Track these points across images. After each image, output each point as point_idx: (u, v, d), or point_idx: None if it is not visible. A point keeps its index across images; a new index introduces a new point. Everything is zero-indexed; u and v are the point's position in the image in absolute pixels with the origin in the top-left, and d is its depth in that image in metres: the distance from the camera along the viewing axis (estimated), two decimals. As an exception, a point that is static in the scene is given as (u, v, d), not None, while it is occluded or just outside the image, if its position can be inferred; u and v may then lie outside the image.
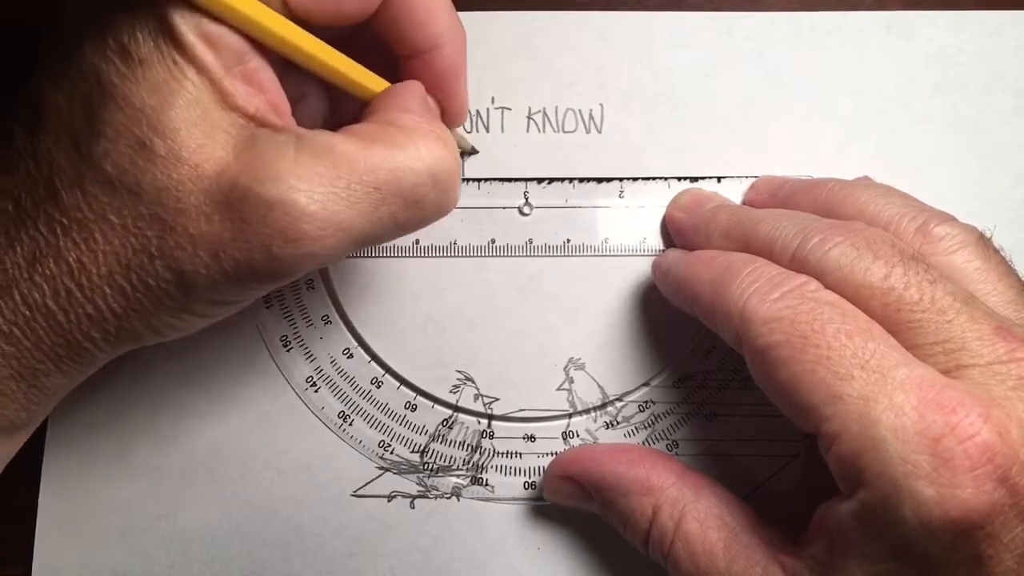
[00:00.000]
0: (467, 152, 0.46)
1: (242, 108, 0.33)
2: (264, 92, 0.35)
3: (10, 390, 0.34)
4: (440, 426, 0.44)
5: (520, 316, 0.45)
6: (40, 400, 0.35)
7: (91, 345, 0.34)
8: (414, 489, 0.44)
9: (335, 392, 0.44)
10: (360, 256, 0.45)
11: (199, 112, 0.33)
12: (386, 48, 0.40)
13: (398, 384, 0.45)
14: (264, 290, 0.36)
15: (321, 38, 0.36)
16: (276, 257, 0.32)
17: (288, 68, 0.37)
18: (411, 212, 0.35)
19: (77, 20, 0.34)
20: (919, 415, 0.31)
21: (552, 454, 0.44)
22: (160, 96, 0.32)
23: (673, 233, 0.44)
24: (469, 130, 0.46)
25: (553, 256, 0.45)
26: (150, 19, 0.32)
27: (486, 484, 0.44)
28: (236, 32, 0.34)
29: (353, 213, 0.33)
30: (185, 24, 0.32)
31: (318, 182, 0.32)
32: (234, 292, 0.34)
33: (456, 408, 0.44)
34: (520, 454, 0.44)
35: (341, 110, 0.41)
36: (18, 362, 0.34)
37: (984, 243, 0.38)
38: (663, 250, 0.45)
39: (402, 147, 0.35)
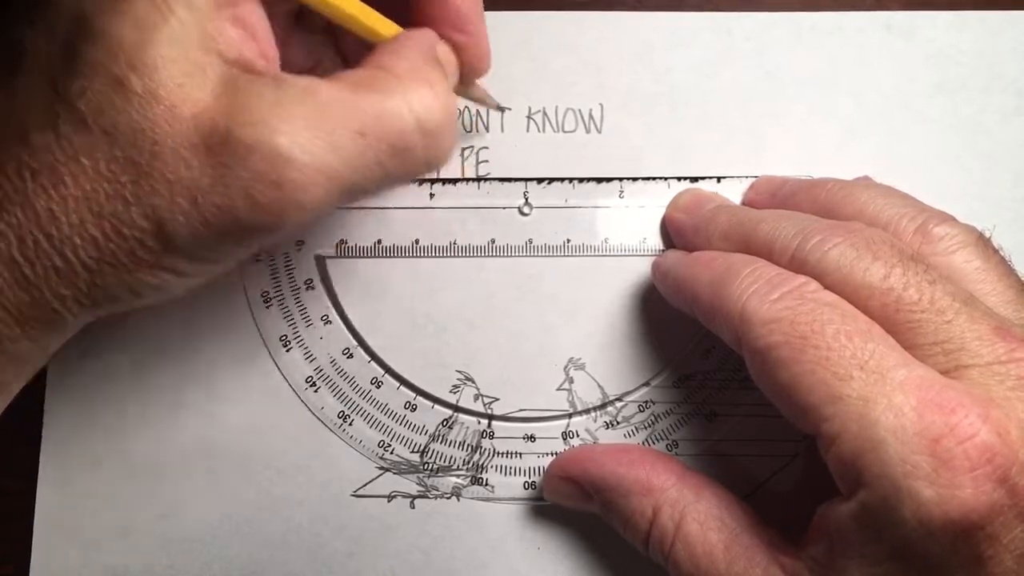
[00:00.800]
0: (494, 108, 0.45)
1: (225, 52, 0.32)
2: (255, 39, 0.34)
3: None
4: (440, 426, 0.44)
5: (520, 316, 0.45)
6: (6, 367, 0.33)
7: (60, 306, 0.32)
8: (414, 489, 0.44)
9: (335, 392, 0.44)
10: (360, 256, 0.45)
11: (180, 51, 0.31)
12: None
13: (398, 384, 0.45)
14: (247, 247, 0.34)
15: None
16: (258, 204, 0.31)
17: (299, 32, 0.36)
18: (399, 161, 0.34)
19: None
20: (918, 416, 0.31)
21: (552, 454, 0.44)
22: (141, 31, 0.31)
23: (673, 234, 0.44)
24: (469, 129, 0.46)
25: (553, 256, 0.45)
26: None
27: (486, 484, 0.44)
28: None
29: (337, 159, 0.32)
30: None
31: (301, 125, 0.31)
32: (215, 245, 0.33)
33: (456, 408, 0.44)
34: (520, 454, 0.44)
35: None
36: None
37: (984, 243, 0.38)
38: (663, 250, 0.45)
39: (389, 92, 0.33)
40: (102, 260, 0.32)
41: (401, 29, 0.38)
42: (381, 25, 0.38)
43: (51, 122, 0.31)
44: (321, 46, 0.38)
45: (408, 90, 0.34)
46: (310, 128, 0.31)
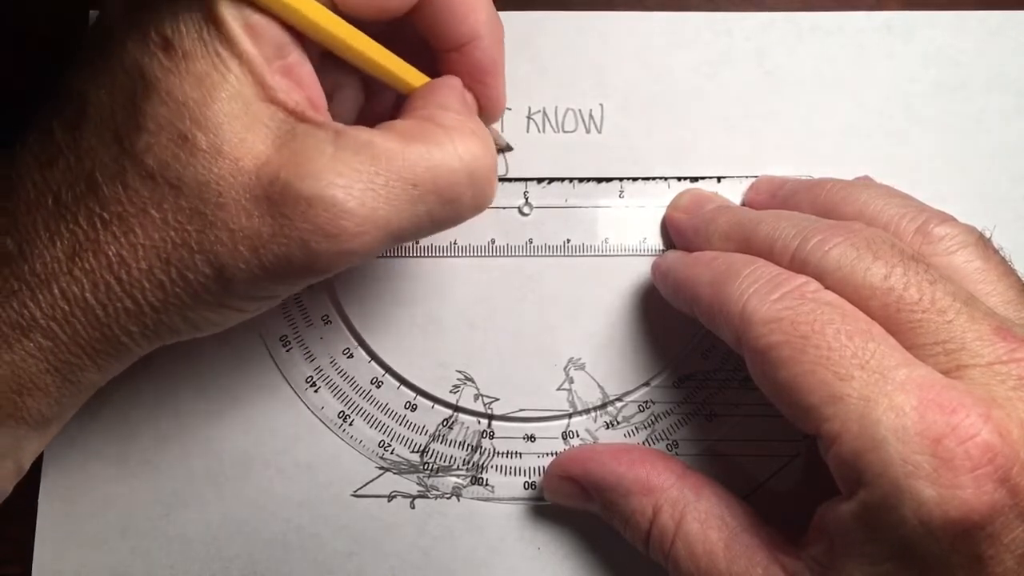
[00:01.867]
0: (503, 149, 0.46)
1: (282, 102, 0.33)
2: (303, 87, 0.35)
3: (44, 384, 0.34)
4: (440, 426, 0.44)
5: (520, 316, 0.45)
6: (72, 394, 0.35)
7: (128, 339, 0.34)
8: (414, 489, 0.44)
9: (335, 392, 0.44)
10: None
11: (241, 106, 0.33)
12: (424, 42, 0.40)
13: (398, 384, 0.45)
14: (300, 286, 0.36)
15: (362, 31, 0.36)
16: (314, 253, 0.32)
17: (324, 61, 0.37)
18: (447, 209, 0.35)
19: (119, 13, 0.34)
20: (919, 415, 0.31)
21: (552, 454, 0.44)
22: (203, 89, 0.32)
23: (673, 234, 0.44)
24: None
25: (553, 256, 0.45)
26: (195, 9, 0.32)
27: (486, 484, 0.44)
28: (278, 24, 0.34)
29: (390, 210, 0.33)
30: (231, 14, 0.32)
31: (357, 178, 0.33)
32: (271, 287, 0.34)
33: (456, 408, 0.44)
34: (520, 454, 0.44)
35: (374, 103, 0.41)
36: (54, 356, 0.34)
37: (984, 243, 0.38)
38: (663, 250, 0.45)
39: (440, 144, 0.34)
40: (167, 301, 0.34)
41: (427, 78, 0.39)
42: (413, 77, 0.39)
43: (119, 175, 0.33)
44: (345, 73, 0.39)
45: (456, 141, 0.35)
46: (365, 181, 0.33)
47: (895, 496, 0.31)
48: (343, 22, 0.36)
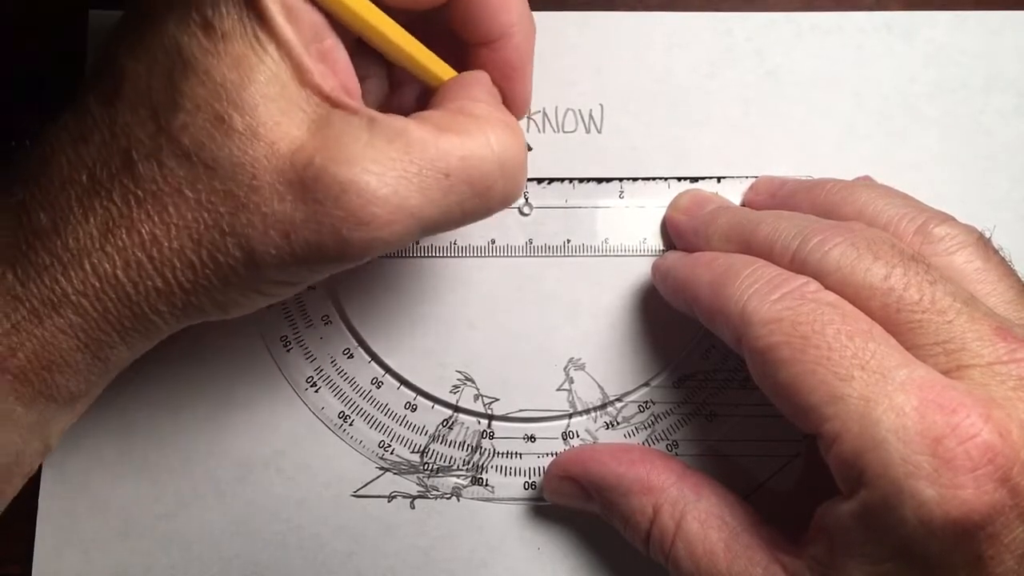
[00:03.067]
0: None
1: (318, 86, 0.33)
2: (337, 72, 0.35)
3: (74, 360, 0.34)
4: (440, 426, 0.44)
5: (520, 316, 0.45)
6: (101, 372, 0.35)
7: (157, 318, 0.34)
8: (414, 489, 0.44)
9: (335, 392, 0.44)
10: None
11: (278, 89, 0.32)
12: (453, 37, 0.40)
13: (398, 384, 0.45)
14: (328, 272, 0.35)
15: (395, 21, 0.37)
16: (345, 240, 0.32)
17: (353, 51, 0.37)
18: (479, 200, 0.35)
19: None
20: (920, 416, 0.31)
21: (552, 454, 0.44)
22: (240, 71, 0.32)
23: (673, 235, 0.44)
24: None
25: (553, 256, 0.45)
26: None
27: (486, 484, 0.44)
28: (315, 8, 0.34)
29: (423, 199, 0.33)
30: None
31: (390, 166, 0.32)
32: (300, 273, 0.34)
33: (456, 408, 0.44)
34: (520, 454, 0.44)
35: (398, 96, 0.41)
36: (84, 333, 0.34)
37: (984, 243, 0.38)
38: (663, 250, 0.45)
39: (473, 135, 0.34)
40: (197, 283, 0.33)
41: (455, 72, 0.39)
42: (442, 70, 0.39)
43: (155, 153, 0.33)
44: (372, 64, 0.39)
45: (488, 132, 0.35)
46: (399, 169, 0.33)
47: (896, 496, 0.31)
48: (378, 10, 0.36)
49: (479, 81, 0.39)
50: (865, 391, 0.32)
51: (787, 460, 0.43)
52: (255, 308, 0.36)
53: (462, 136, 0.34)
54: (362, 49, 0.37)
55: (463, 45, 0.40)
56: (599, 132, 0.46)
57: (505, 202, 0.36)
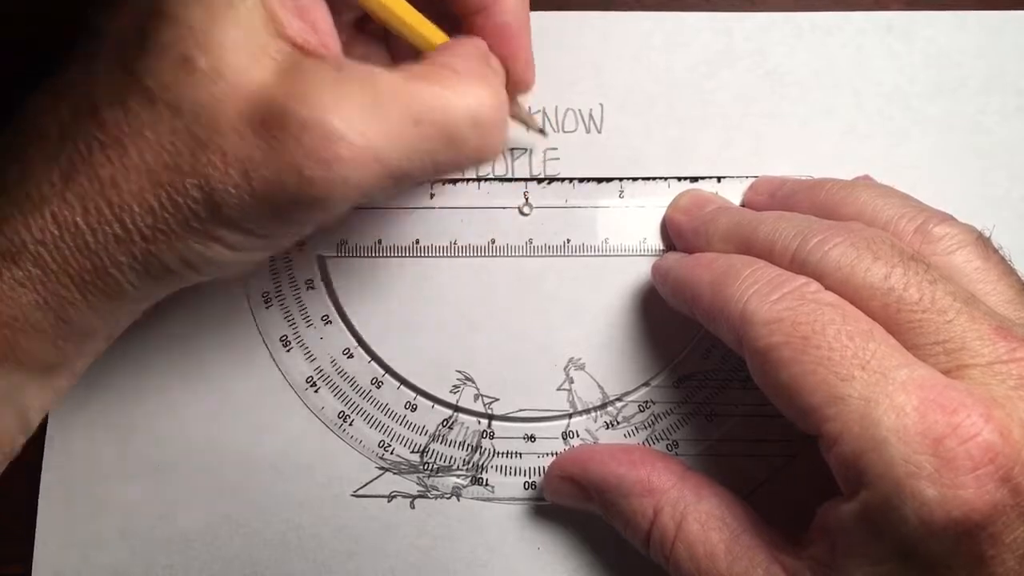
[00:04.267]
0: (536, 129, 0.45)
1: (291, 37, 0.33)
2: (317, 32, 0.34)
3: (36, 320, 0.33)
4: (440, 426, 0.44)
5: (520, 316, 0.45)
6: (68, 336, 0.35)
7: (117, 272, 0.33)
8: (414, 489, 0.44)
9: (335, 392, 0.44)
10: (361, 256, 0.45)
11: (246, 33, 0.32)
12: (449, 6, 0.39)
13: (398, 384, 0.45)
14: (293, 224, 0.35)
15: None
16: (307, 180, 0.32)
17: (361, 38, 0.36)
18: (450, 152, 0.34)
19: None
20: (920, 416, 0.31)
21: (552, 454, 0.44)
22: (211, 14, 0.32)
23: (673, 235, 0.44)
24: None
25: (553, 256, 0.45)
26: None
27: (486, 484, 0.44)
28: None
29: (389, 143, 0.32)
30: None
31: (357, 108, 0.32)
32: (262, 218, 0.33)
33: (456, 408, 0.44)
34: (520, 454, 0.44)
35: None
36: (43, 287, 0.33)
37: (983, 243, 0.38)
38: (663, 250, 0.45)
39: (447, 86, 0.34)
40: (156, 228, 0.33)
41: (448, 37, 0.39)
42: (435, 35, 0.39)
43: (120, 99, 0.32)
44: (376, 54, 0.39)
45: (464, 85, 0.34)
46: (365, 111, 0.32)
47: (897, 496, 0.31)
48: None
49: (472, 43, 0.38)
50: (866, 391, 0.32)
51: (787, 460, 0.43)
52: (223, 266, 0.35)
53: (434, 85, 0.34)
54: (364, 34, 0.37)
55: (457, 18, 0.40)
56: (599, 132, 0.46)
57: (479, 158, 0.36)
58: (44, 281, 0.33)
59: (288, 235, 0.36)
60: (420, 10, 0.38)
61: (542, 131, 0.46)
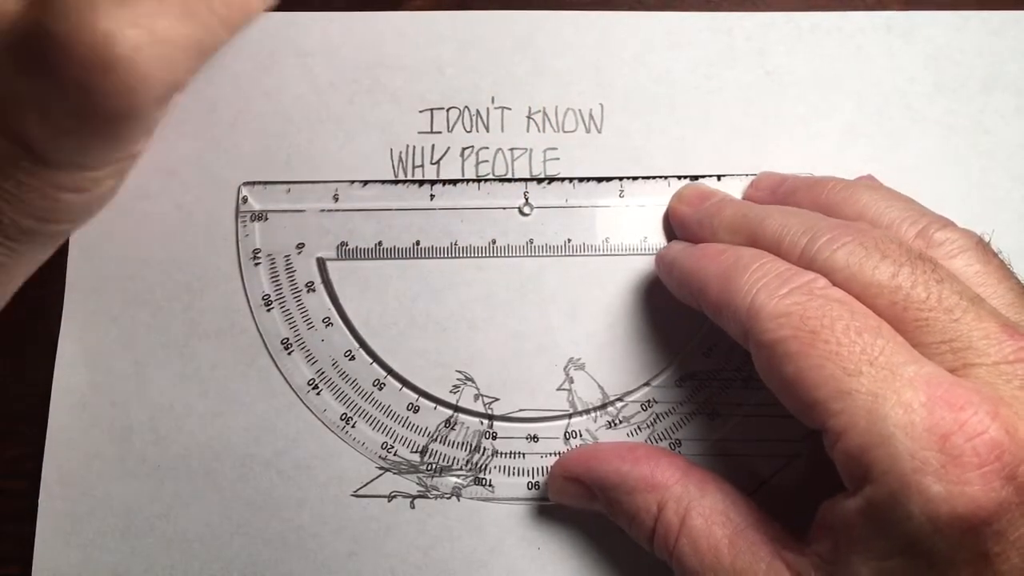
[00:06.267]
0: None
1: None
2: None
3: None
4: (441, 426, 0.44)
5: (520, 316, 0.45)
6: None
7: None
8: (414, 489, 0.44)
9: (337, 395, 0.44)
10: (361, 258, 0.45)
11: None
12: None
13: (400, 386, 0.44)
14: (114, 140, 0.33)
15: None
16: (98, 93, 0.31)
17: None
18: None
19: None
20: (928, 412, 0.31)
21: (555, 454, 0.44)
22: None
23: (676, 226, 0.44)
24: (469, 129, 0.46)
25: (553, 256, 0.45)
26: None
27: (487, 484, 0.44)
28: None
29: (169, 21, 0.31)
30: None
31: (113, 2, 0.30)
32: (81, 148, 0.32)
33: (457, 408, 0.44)
34: (523, 454, 0.44)
35: None
36: None
37: (983, 247, 0.38)
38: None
39: None
40: None
41: None
42: None
43: None
44: None
45: None
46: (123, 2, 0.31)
47: (902, 492, 0.31)
48: None
49: None
50: (873, 387, 0.32)
51: (790, 459, 0.43)
52: (76, 210, 0.34)
53: None
54: None
55: None
56: (599, 132, 0.46)
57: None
58: None
59: (115, 151, 0.35)
60: None
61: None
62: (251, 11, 0.34)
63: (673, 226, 0.45)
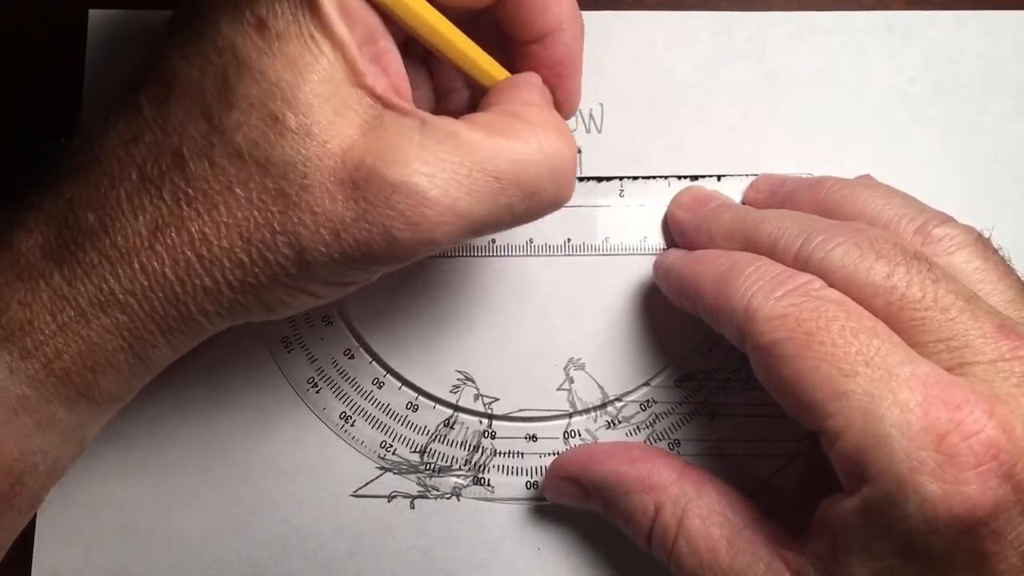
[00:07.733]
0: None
1: (371, 87, 0.33)
2: (390, 74, 0.35)
3: (117, 361, 0.34)
4: (441, 426, 0.44)
5: (520, 316, 0.45)
6: (141, 373, 0.36)
7: (203, 318, 0.34)
8: (414, 489, 0.44)
9: (337, 393, 0.44)
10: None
11: (331, 88, 0.32)
12: (504, 35, 0.40)
13: (399, 384, 0.44)
14: (376, 274, 0.36)
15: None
16: (395, 240, 0.32)
17: (405, 57, 0.37)
18: (528, 204, 0.35)
19: None
20: (924, 411, 0.31)
21: (554, 454, 0.44)
22: (295, 71, 0.32)
23: (674, 231, 0.44)
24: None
25: (553, 256, 0.45)
26: None
27: (487, 484, 0.44)
28: (371, 8, 0.34)
29: (472, 201, 0.33)
30: None
31: (441, 167, 0.32)
32: (348, 272, 0.34)
33: (456, 408, 0.44)
34: (522, 454, 0.44)
35: (445, 104, 0.41)
36: (130, 333, 0.34)
37: (983, 243, 0.38)
38: (664, 249, 0.45)
39: (524, 139, 0.34)
40: (245, 282, 0.33)
41: (508, 73, 0.39)
42: (493, 68, 0.39)
43: (207, 151, 0.33)
44: (418, 73, 0.40)
45: (539, 135, 0.35)
46: (449, 171, 0.33)
47: (899, 492, 0.31)
48: (434, 10, 0.36)
49: (531, 83, 0.38)
50: (869, 387, 0.32)
51: (788, 459, 0.43)
52: (300, 309, 0.36)
53: (513, 139, 0.34)
54: (408, 59, 0.37)
55: (513, 44, 0.40)
56: (599, 132, 0.46)
57: (555, 205, 0.36)
58: (131, 327, 0.34)
59: (366, 281, 0.37)
60: (473, 36, 0.38)
61: (578, 149, 0.45)
62: (539, 216, 0.36)
63: (672, 231, 0.45)
